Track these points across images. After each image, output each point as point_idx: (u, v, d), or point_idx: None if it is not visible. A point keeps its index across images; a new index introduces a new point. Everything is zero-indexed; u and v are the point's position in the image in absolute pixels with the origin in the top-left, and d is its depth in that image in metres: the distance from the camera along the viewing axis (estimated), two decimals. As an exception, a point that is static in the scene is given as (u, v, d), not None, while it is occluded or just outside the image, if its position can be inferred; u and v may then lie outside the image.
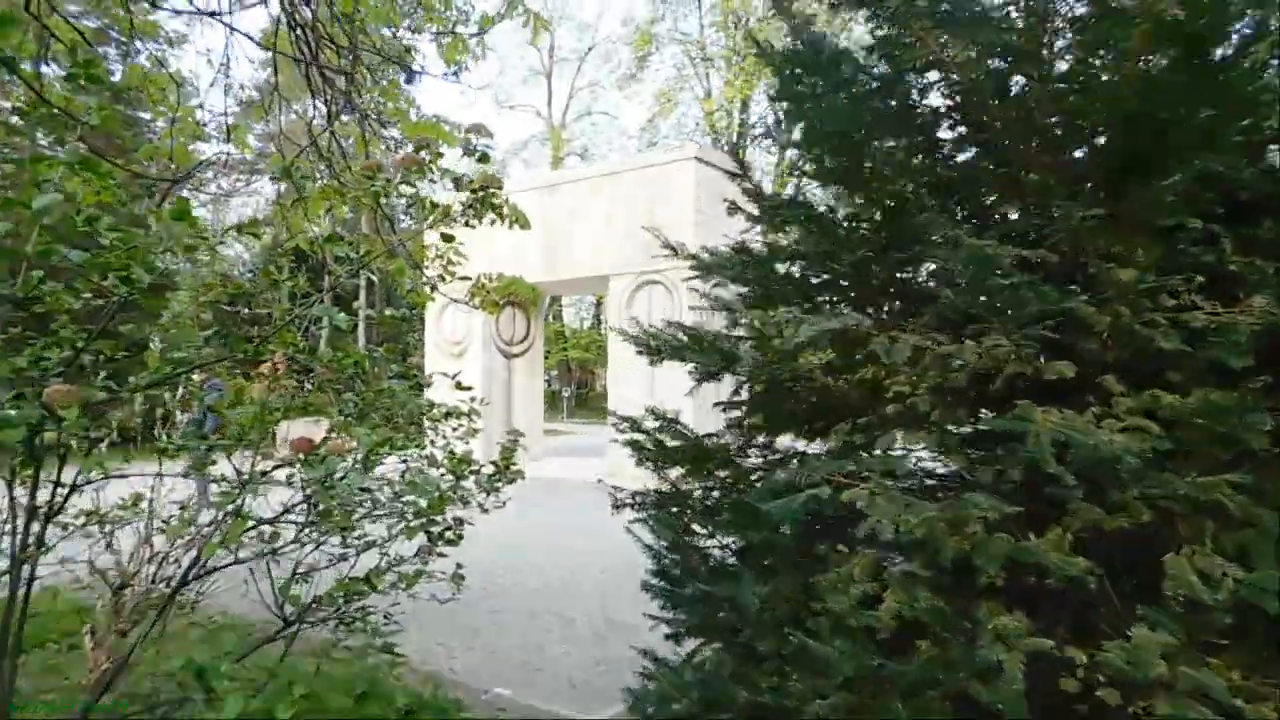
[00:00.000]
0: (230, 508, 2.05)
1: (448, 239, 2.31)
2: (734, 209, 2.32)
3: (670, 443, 2.31)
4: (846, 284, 2.06)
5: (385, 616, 3.06)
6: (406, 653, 4.74)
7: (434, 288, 3.01)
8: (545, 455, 17.14)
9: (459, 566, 3.01)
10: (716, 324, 2.60)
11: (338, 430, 2.58)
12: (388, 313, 2.52)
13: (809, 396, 2.01)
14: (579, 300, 42.28)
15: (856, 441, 1.80)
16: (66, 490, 2.18)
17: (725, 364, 1.96)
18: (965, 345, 1.53)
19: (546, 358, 20.12)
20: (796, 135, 2.12)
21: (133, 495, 3.20)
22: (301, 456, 1.75)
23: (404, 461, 3.18)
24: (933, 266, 2.20)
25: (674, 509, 2.30)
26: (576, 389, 40.05)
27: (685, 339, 2.14)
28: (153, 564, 4.53)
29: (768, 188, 2.51)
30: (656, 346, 2.28)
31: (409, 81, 5.80)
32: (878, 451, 1.80)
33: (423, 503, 2.22)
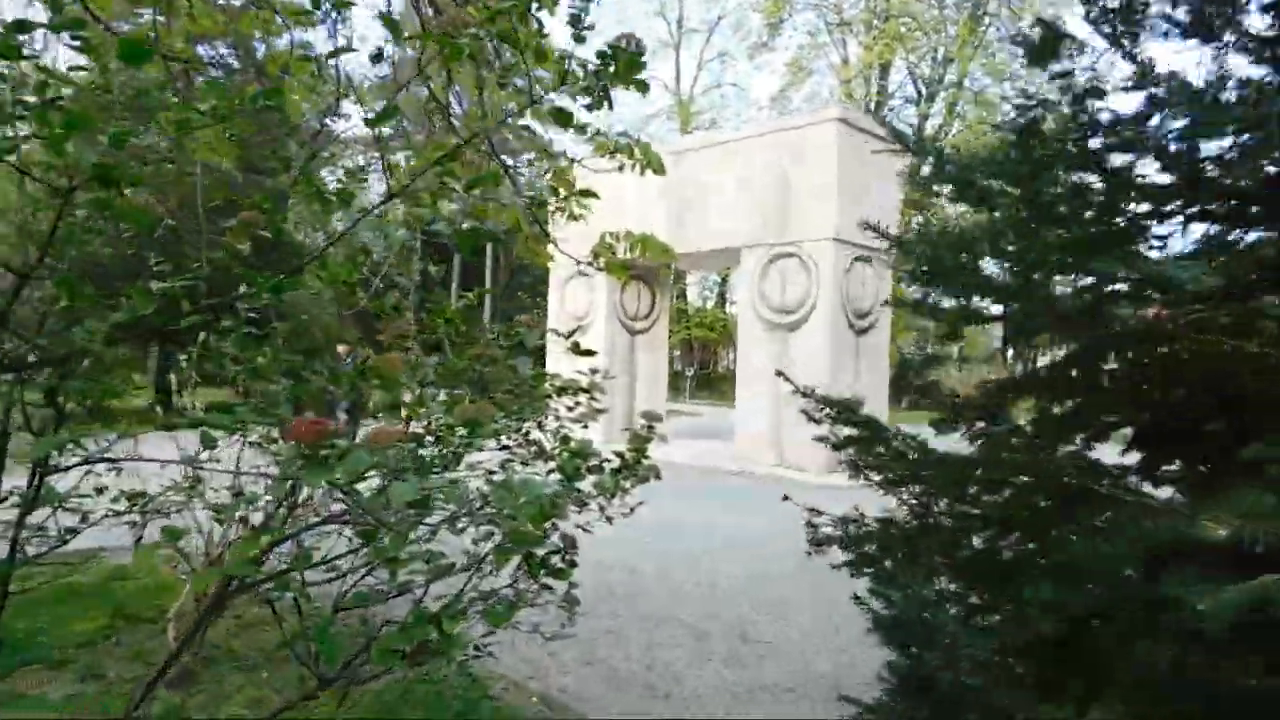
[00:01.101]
0: (241, 512, 1.38)
1: (564, 118, 1.54)
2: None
3: (901, 446, 1.44)
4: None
5: (477, 649, 2.39)
6: (510, 664, 4.12)
7: (541, 204, 2.27)
8: (670, 437, 16.49)
9: (571, 586, 2.28)
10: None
11: (412, 411, 1.89)
12: (465, 226, 1.81)
13: (1169, 374, 1.13)
14: (702, 278, 41.35)
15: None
16: (38, 480, 1.58)
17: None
18: None
19: (669, 336, 19.33)
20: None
21: (190, 477, 2.66)
22: (302, 450, 1.04)
23: (505, 448, 2.47)
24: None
25: (904, 551, 1.44)
26: (699, 369, 39.27)
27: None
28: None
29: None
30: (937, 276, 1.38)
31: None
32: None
33: (520, 516, 1.49)
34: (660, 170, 3.25)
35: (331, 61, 1.84)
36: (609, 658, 4.37)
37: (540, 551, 1.67)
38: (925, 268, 1.36)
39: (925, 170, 1.86)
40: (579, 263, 3.19)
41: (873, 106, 33.14)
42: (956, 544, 1.36)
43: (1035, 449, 1.35)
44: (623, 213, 10.34)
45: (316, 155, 2.39)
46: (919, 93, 35.88)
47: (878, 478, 1.53)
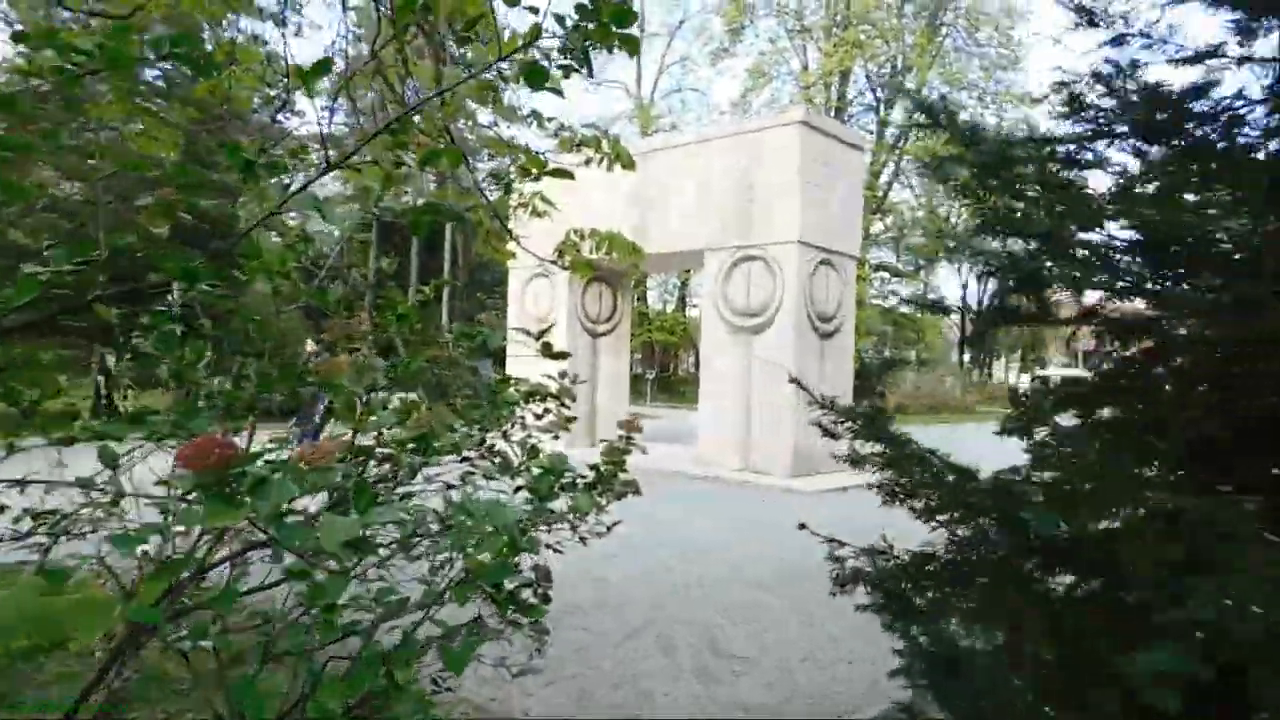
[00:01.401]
0: (146, 545, 1.14)
1: (537, 75, 1.32)
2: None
3: (939, 469, 1.23)
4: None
5: (434, 683, 2.15)
6: (470, 688, 3.86)
7: (508, 187, 2.05)
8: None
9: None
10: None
11: (358, 422, 1.65)
12: (420, 203, 1.57)
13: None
14: (662, 281, 41.22)
15: None
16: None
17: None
18: None
19: (630, 340, 19.02)
20: None
21: (112, 493, 2.37)
22: (200, 480, 0.80)
23: (466, 459, 2.23)
24: None
25: (942, 590, 1.22)
26: (659, 372, 39.12)
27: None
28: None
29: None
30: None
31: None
32: None
33: (485, 548, 1.27)
34: (630, 165, 3.03)
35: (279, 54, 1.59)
36: (578, 674, 4.14)
37: (509, 585, 1.44)
38: (1037, 232, 1.17)
39: (913, 158, 1.68)
40: (541, 261, 2.97)
41: (833, 112, 33.39)
42: (1017, 584, 1.16)
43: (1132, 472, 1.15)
44: (588, 213, 10.11)
45: (266, 150, 2.14)
46: (878, 100, 36.28)
47: (918, 505, 1.32)
